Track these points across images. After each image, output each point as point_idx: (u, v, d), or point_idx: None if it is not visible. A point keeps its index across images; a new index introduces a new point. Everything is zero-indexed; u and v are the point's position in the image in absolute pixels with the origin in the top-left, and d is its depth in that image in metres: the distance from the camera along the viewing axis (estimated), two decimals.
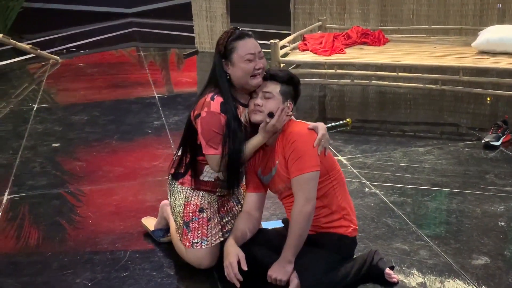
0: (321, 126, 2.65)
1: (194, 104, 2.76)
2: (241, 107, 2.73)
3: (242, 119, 2.71)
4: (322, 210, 2.68)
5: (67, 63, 7.59)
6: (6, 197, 3.75)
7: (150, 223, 3.21)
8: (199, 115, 2.65)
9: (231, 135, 2.63)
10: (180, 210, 2.83)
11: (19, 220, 3.46)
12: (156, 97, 5.91)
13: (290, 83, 2.72)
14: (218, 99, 2.65)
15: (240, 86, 2.70)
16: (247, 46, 2.67)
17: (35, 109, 5.62)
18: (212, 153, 2.64)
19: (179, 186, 2.84)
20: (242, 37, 2.69)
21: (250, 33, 2.73)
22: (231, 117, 2.64)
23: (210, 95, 2.67)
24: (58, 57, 7.69)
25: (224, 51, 2.68)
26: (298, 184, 2.56)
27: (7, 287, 2.76)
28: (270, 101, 2.65)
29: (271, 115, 2.62)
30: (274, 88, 2.67)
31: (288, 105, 2.70)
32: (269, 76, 2.70)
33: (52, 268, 2.92)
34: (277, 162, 2.66)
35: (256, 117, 2.66)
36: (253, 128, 2.71)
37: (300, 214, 2.55)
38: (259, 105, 2.65)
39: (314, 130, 2.62)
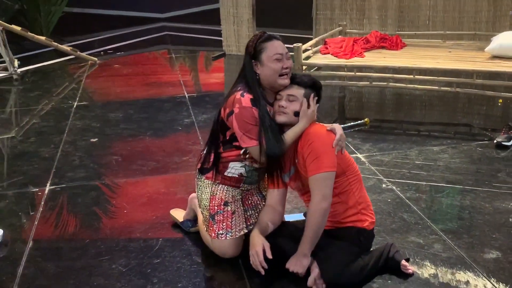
0: (338, 127, 2.65)
1: (223, 102, 2.77)
2: (269, 106, 2.73)
3: None
4: (340, 206, 2.68)
5: (104, 64, 7.66)
6: (48, 187, 3.79)
7: (178, 214, 3.23)
8: (232, 112, 2.66)
9: (266, 126, 2.63)
10: (206, 203, 2.84)
11: (59, 209, 3.50)
12: (186, 96, 5.93)
13: (313, 87, 2.74)
14: (248, 96, 2.66)
15: (269, 85, 2.72)
16: (275, 47, 2.70)
17: (74, 106, 5.67)
18: (251, 145, 2.65)
19: (205, 181, 2.85)
20: (270, 39, 2.73)
21: (277, 36, 2.77)
22: (263, 110, 2.65)
23: (240, 92, 2.68)
24: (96, 59, 7.76)
25: (253, 52, 2.71)
26: (315, 182, 2.55)
27: (49, 271, 2.80)
28: (294, 103, 2.67)
29: (296, 114, 2.65)
30: (298, 92, 2.69)
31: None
32: (294, 81, 2.71)
33: (90, 254, 2.95)
34: (296, 161, 2.66)
35: (280, 118, 2.68)
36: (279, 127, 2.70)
37: (317, 210, 2.54)
38: (283, 106, 2.67)
39: (332, 131, 2.62)
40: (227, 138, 2.76)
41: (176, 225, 3.21)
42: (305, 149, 2.59)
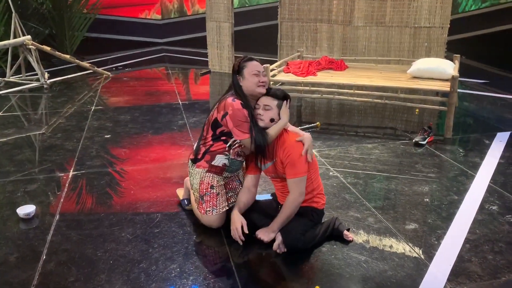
0: (307, 138, 2.63)
1: (215, 106, 2.75)
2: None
3: None
4: None
5: (116, 77, 7.54)
6: (71, 173, 3.72)
7: (180, 193, 3.21)
8: (226, 113, 2.66)
9: (254, 122, 2.65)
10: (197, 187, 2.82)
11: (80, 190, 3.43)
12: (180, 103, 5.87)
13: (284, 98, 2.73)
14: (238, 101, 2.66)
15: (249, 94, 2.71)
16: (254, 65, 2.72)
17: (92, 110, 5.57)
18: (245, 138, 2.65)
19: (196, 169, 2.83)
20: (251, 60, 2.76)
21: (257, 58, 2.80)
22: (250, 111, 2.67)
23: (230, 98, 2.68)
24: (109, 73, 7.64)
25: (238, 69, 2.73)
26: (294, 183, 2.58)
27: (72, 237, 2.76)
28: (269, 112, 2.67)
29: (271, 120, 2.66)
30: (272, 102, 2.68)
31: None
32: (269, 94, 2.71)
33: (104, 225, 2.90)
34: (274, 159, 2.66)
35: (259, 123, 2.67)
36: None
37: (294, 203, 2.58)
38: (260, 114, 2.67)
39: (301, 142, 2.61)
40: (217, 134, 2.75)
41: (175, 201, 3.19)
42: (284, 158, 2.61)
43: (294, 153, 2.57)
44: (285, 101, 2.70)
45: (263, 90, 2.69)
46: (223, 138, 2.73)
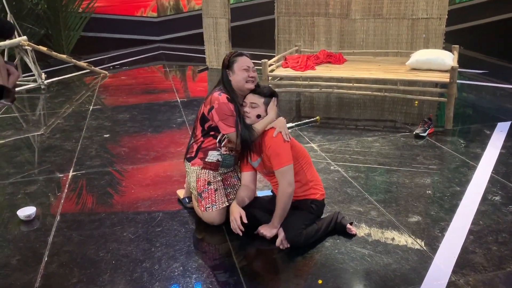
0: (277, 121, 2.61)
1: (203, 102, 2.76)
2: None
3: None
4: (296, 184, 2.66)
5: (113, 76, 7.51)
6: (71, 173, 3.70)
7: (181, 192, 3.19)
8: (212, 107, 2.66)
9: (240, 116, 2.64)
10: (194, 185, 2.81)
11: (80, 190, 3.42)
12: (178, 101, 5.86)
13: (271, 96, 2.72)
14: (224, 95, 2.67)
15: (238, 89, 2.70)
16: (244, 60, 2.72)
17: (90, 109, 5.55)
18: (230, 131, 2.64)
19: (191, 167, 2.82)
20: (241, 55, 2.75)
21: (246, 53, 2.79)
22: (236, 105, 2.66)
23: (217, 92, 2.69)
24: (106, 72, 7.60)
25: (227, 63, 2.73)
26: (281, 174, 2.55)
27: (74, 239, 2.74)
28: (256, 109, 2.67)
29: (258, 116, 2.65)
30: (259, 100, 2.68)
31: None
32: (256, 91, 2.70)
33: (105, 224, 2.89)
34: (261, 155, 2.66)
35: (246, 121, 2.67)
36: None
37: (284, 194, 2.55)
38: (247, 112, 2.67)
39: (274, 128, 2.57)
40: (206, 129, 2.75)
41: (176, 200, 3.18)
42: (266, 151, 2.60)
43: (273, 143, 2.57)
44: (273, 98, 2.69)
45: (252, 86, 2.69)
46: (212, 133, 2.74)
